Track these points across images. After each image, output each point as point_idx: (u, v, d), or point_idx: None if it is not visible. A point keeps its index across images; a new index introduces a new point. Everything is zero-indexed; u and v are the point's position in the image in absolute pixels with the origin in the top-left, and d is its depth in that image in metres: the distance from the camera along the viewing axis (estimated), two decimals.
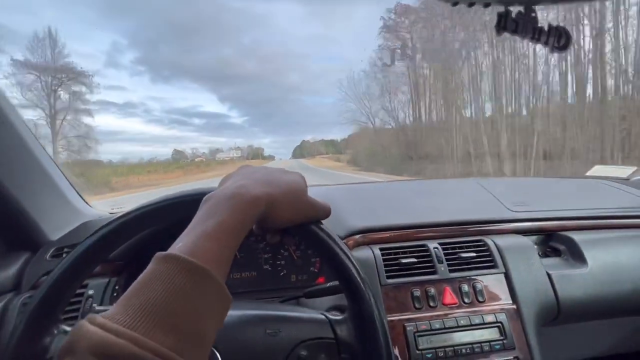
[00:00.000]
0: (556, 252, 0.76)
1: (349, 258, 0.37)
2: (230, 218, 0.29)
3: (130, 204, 0.54)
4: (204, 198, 0.32)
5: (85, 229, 0.71)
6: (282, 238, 0.38)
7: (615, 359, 0.84)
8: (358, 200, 0.84)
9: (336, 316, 0.41)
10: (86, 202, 0.80)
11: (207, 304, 0.25)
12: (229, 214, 0.29)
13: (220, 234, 0.28)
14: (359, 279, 0.37)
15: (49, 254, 0.66)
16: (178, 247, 0.27)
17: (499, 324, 0.62)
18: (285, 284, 0.72)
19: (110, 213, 0.83)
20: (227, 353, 0.37)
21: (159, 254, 0.26)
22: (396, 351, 0.59)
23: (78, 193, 0.78)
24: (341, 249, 0.37)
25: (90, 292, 0.61)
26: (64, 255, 0.62)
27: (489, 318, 0.62)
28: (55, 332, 0.37)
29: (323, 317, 0.40)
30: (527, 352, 0.61)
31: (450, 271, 0.66)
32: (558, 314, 0.66)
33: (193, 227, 0.29)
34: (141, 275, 0.25)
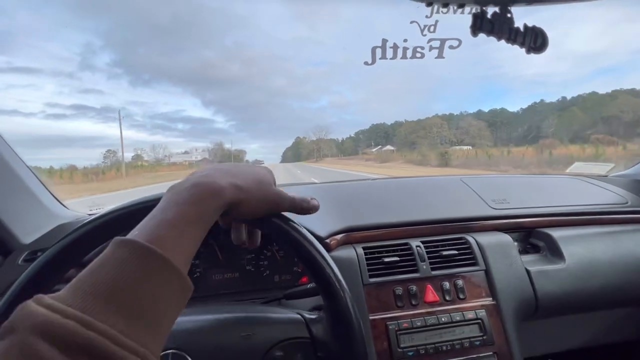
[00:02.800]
0: (535, 249, 0.78)
1: (317, 250, 0.37)
2: (192, 207, 0.28)
3: (114, 203, 0.53)
4: (168, 188, 0.31)
5: (60, 231, 0.68)
6: (247, 234, 0.39)
7: (591, 351, 0.87)
8: (341, 199, 0.84)
9: (312, 315, 0.40)
10: (62, 204, 0.77)
11: (163, 290, 0.24)
12: (191, 203, 0.29)
13: (180, 222, 0.27)
14: (330, 272, 0.36)
15: (21, 258, 0.63)
16: (136, 233, 0.26)
17: (479, 321, 0.63)
18: (268, 285, 0.71)
19: (89, 214, 0.81)
20: (200, 358, 0.37)
21: (116, 238, 0.25)
22: (379, 349, 0.59)
23: (52, 194, 0.75)
24: (308, 241, 0.37)
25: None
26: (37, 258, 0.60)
27: (470, 315, 0.63)
28: None
29: (298, 316, 0.40)
30: (505, 347, 0.63)
31: (432, 269, 0.67)
32: (536, 309, 0.68)
33: (154, 215, 0.28)
34: (95, 259, 0.24)
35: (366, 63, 0.62)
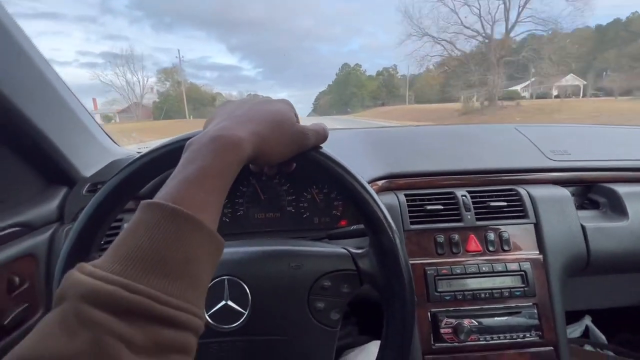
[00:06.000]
0: (594, 204, 0.72)
1: (359, 182, 0.36)
2: (212, 162, 0.28)
3: None
4: (186, 144, 0.30)
5: (115, 167, 0.73)
6: (279, 168, 0.37)
7: (629, 310, 0.84)
8: (383, 145, 0.81)
9: (358, 250, 0.41)
10: (114, 142, 0.81)
11: (196, 249, 0.24)
12: (211, 157, 0.28)
13: (202, 179, 0.27)
14: (374, 205, 0.36)
15: (85, 189, 0.69)
16: (161, 195, 0.26)
17: (522, 273, 0.62)
18: (308, 226, 0.73)
19: (138, 152, 0.85)
20: (254, 285, 0.39)
21: (143, 202, 0.25)
22: (416, 291, 0.61)
23: (106, 132, 0.79)
24: (347, 172, 0.36)
25: (126, 225, 0.65)
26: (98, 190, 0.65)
27: (513, 266, 0.62)
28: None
29: (345, 251, 0.41)
30: (547, 299, 0.62)
31: (477, 219, 0.64)
32: (587, 266, 0.65)
33: (175, 175, 0.27)
34: (128, 224, 0.25)
35: None
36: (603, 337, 0.92)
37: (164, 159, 0.36)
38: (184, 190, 0.26)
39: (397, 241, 0.36)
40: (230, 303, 0.39)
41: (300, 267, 0.39)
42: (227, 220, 0.73)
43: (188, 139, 0.31)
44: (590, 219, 0.67)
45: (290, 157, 0.34)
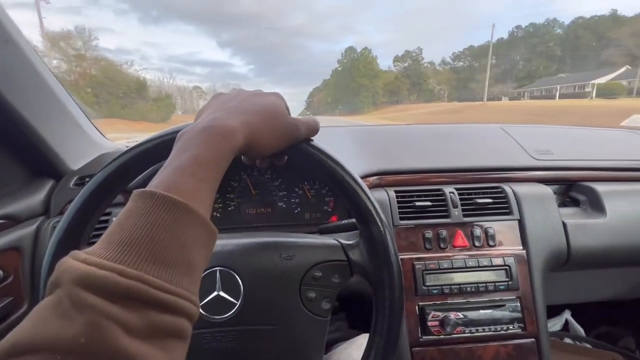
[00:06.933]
0: (575, 202, 0.75)
1: (349, 174, 0.37)
2: (205, 151, 0.28)
3: None
4: (179, 134, 0.30)
5: (103, 160, 0.72)
6: (271, 160, 0.38)
7: (607, 304, 0.88)
8: (374, 142, 0.82)
9: (348, 241, 0.42)
10: (103, 135, 0.80)
11: (190, 237, 0.24)
12: (204, 147, 0.28)
13: (195, 167, 0.27)
14: (364, 196, 0.37)
15: (72, 182, 0.68)
16: (154, 183, 0.26)
17: (507, 267, 0.64)
18: (299, 221, 0.74)
19: (127, 146, 0.84)
20: (245, 276, 0.39)
21: (135, 191, 0.25)
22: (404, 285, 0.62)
23: (94, 125, 0.77)
24: (338, 164, 0.37)
25: (114, 219, 0.64)
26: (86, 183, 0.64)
27: (497, 261, 0.64)
28: None
29: (335, 242, 0.42)
30: (529, 293, 0.64)
31: (464, 216, 0.66)
32: (567, 262, 0.68)
33: (168, 164, 0.27)
34: (120, 213, 0.25)
35: None
36: (582, 330, 0.96)
37: (156, 151, 0.36)
38: (176, 178, 0.26)
39: (387, 232, 0.37)
40: (222, 294, 0.39)
41: (292, 257, 0.40)
42: (218, 215, 0.73)
43: (179, 130, 0.31)
44: (571, 216, 0.70)
45: (282, 148, 0.35)
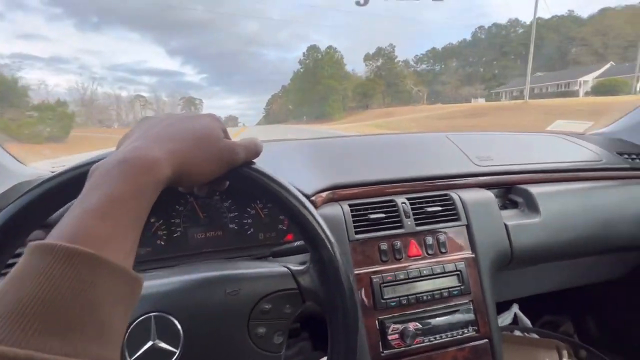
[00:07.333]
0: (514, 204, 0.81)
1: (295, 196, 0.35)
2: (121, 188, 0.24)
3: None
4: (92, 168, 0.26)
5: (18, 191, 0.63)
6: (210, 187, 0.35)
7: (553, 294, 0.95)
8: (325, 156, 0.81)
9: (298, 267, 0.40)
10: (19, 161, 0.70)
11: (100, 292, 0.21)
12: (120, 183, 0.24)
13: (108, 208, 0.23)
14: (312, 220, 0.35)
15: None
16: (56, 232, 0.22)
17: (458, 272, 0.66)
18: (252, 242, 0.70)
19: (51, 172, 0.74)
20: (186, 319, 0.36)
21: (31, 243, 0.21)
22: (363, 301, 0.61)
23: (6, 150, 0.67)
24: (283, 187, 0.35)
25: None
26: None
27: (450, 267, 0.66)
28: None
29: (285, 269, 0.40)
30: (480, 295, 0.67)
31: (417, 225, 0.68)
32: (511, 261, 0.72)
33: (76, 205, 0.24)
34: (11, 271, 0.20)
35: (358, 3, 0.55)
36: (529, 321, 1.03)
37: (67, 188, 0.32)
38: (83, 224, 0.22)
39: (337, 254, 0.36)
40: (159, 343, 0.35)
41: (237, 292, 0.37)
42: (163, 243, 0.67)
43: (95, 162, 0.27)
44: (511, 218, 0.74)
45: (219, 175, 0.32)
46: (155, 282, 0.37)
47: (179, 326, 0.35)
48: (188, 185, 0.31)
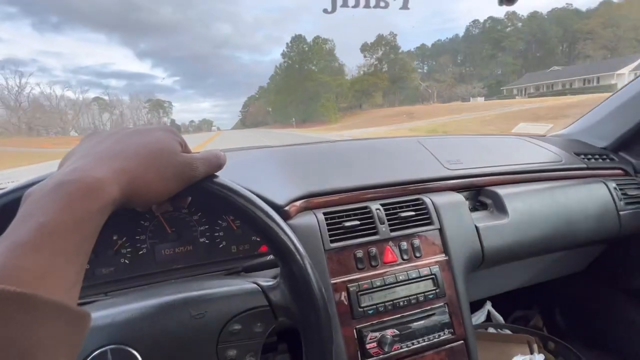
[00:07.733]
0: (484, 206, 0.83)
1: (262, 210, 0.34)
2: (56, 216, 0.22)
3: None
4: (25, 194, 0.24)
5: None
6: (171, 205, 0.33)
7: (523, 290, 0.99)
8: (298, 163, 0.80)
9: (269, 282, 0.38)
10: None
11: (36, 334, 0.19)
12: (55, 210, 0.22)
13: (41, 240, 0.21)
14: (280, 233, 0.34)
15: None
16: None
17: (433, 276, 0.67)
18: (225, 256, 0.67)
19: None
20: (147, 350, 0.33)
21: None
22: (340, 310, 0.61)
23: None
24: (248, 200, 0.34)
25: None
26: None
27: (425, 271, 0.66)
28: None
29: (254, 285, 0.38)
30: (454, 297, 0.68)
31: (391, 230, 0.68)
32: (482, 261, 0.74)
33: (5, 238, 0.21)
34: None
35: (325, 11, 0.55)
36: (501, 318, 1.06)
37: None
38: (12, 259, 0.20)
39: (308, 267, 0.35)
40: None
41: (203, 315, 0.35)
42: (127, 261, 0.63)
43: (29, 186, 0.24)
44: (482, 219, 0.76)
45: (177, 191, 0.30)
46: (111, 311, 0.34)
47: (139, 358, 0.33)
48: (140, 205, 0.29)
